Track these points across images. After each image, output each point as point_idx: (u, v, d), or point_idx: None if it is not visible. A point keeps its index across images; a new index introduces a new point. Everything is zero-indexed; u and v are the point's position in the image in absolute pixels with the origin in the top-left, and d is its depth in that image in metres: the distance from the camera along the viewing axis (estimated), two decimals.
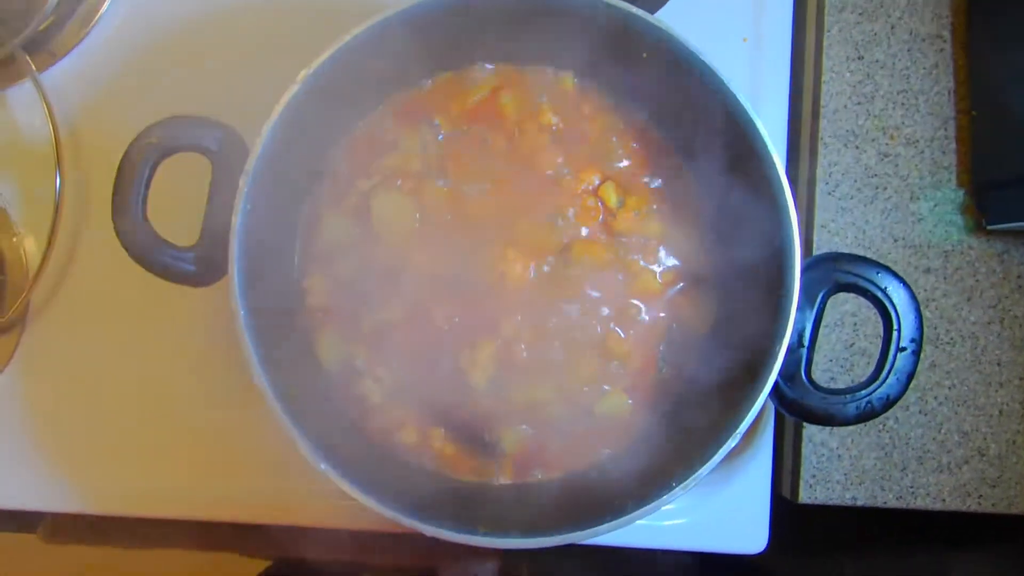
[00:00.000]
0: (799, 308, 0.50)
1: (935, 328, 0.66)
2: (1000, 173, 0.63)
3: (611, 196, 0.57)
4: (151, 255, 0.48)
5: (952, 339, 0.66)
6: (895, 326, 0.52)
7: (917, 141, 0.67)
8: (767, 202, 0.50)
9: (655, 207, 0.57)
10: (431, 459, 0.56)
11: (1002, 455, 0.66)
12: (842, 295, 0.55)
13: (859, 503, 0.66)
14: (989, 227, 0.65)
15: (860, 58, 0.67)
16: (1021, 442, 0.66)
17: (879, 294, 0.52)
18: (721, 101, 0.50)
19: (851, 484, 0.66)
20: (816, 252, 0.66)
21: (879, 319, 0.53)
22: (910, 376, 0.51)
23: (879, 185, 0.67)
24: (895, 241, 0.66)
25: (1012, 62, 0.63)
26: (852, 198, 0.67)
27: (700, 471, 0.49)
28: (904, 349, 0.51)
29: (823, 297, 0.52)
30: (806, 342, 0.52)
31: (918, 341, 0.52)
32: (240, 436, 0.62)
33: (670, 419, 0.57)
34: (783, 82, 0.67)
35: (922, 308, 0.66)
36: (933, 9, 0.67)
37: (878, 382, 0.51)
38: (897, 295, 0.52)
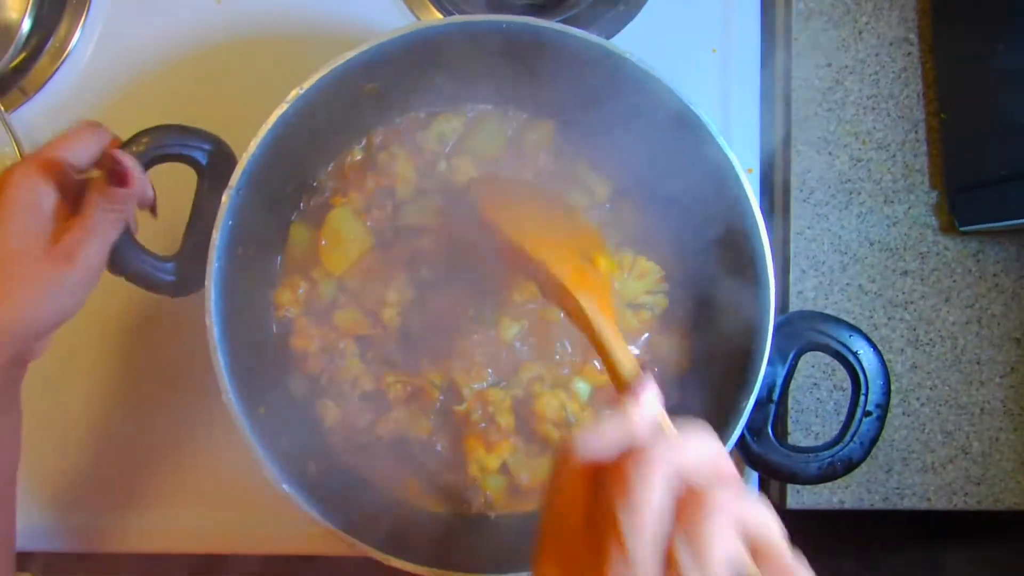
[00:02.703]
0: (770, 363, 0.50)
1: (915, 330, 0.67)
2: (970, 175, 0.63)
3: None
4: (128, 262, 0.48)
5: (932, 340, 0.67)
6: (863, 391, 0.52)
7: (889, 145, 0.67)
8: (742, 248, 0.50)
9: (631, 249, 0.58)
10: (405, 495, 0.57)
11: (985, 452, 0.67)
12: None
13: (846, 506, 0.66)
14: (962, 228, 0.65)
15: (829, 65, 0.68)
16: (1004, 439, 0.67)
17: (850, 357, 0.53)
18: (689, 127, 0.50)
19: (837, 488, 0.66)
20: (792, 259, 0.66)
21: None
22: (873, 441, 0.52)
23: (853, 190, 0.67)
24: (871, 245, 0.67)
25: (978, 63, 0.63)
26: (827, 204, 0.67)
27: None
28: (869, 414, 0.52)
29: (795, 355, 0.53)
30: (775, 397, 0.53)
31: (884, 407, 0.52)
32: (222, 466, 0.62)
33: None
34: (754, 91, 0.67)
35: (901, 310, 0.67)
36: (899, 13, 0.68)
37: (841, 444, 0.52)
38: (867, 359, 0.52)
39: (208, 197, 0.49)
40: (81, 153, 0.46)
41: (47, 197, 0.44)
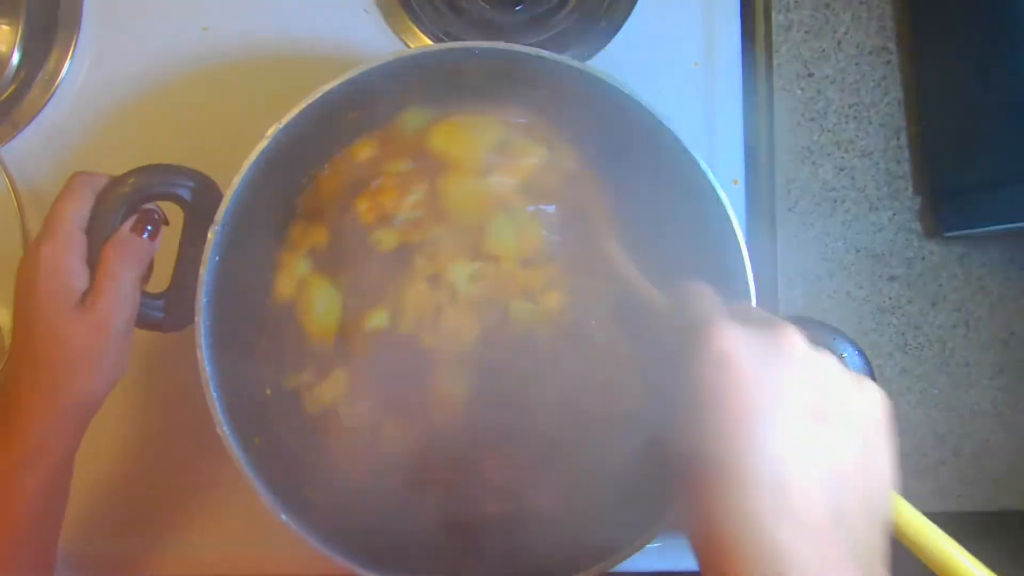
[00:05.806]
0: None
1: (903, 334, 0.68)
2: (952, 181, 0.64)
3: None
4: None
5: (920, 344, 0.68)
6: None
7: (871, 153, 0.68)
8: (719, 250, 0.50)
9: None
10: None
11: (977, 454, 0.67)
12: None
13: None
14: (946, 234, 0.66)
15: (810, 75, 0.68)
16: (995, 440, 0.67)
17: None
18: (665, 144, 0.50)
19: None
20: (780, 269, 0.67)
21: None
22: None
23: (837, 198, 0.68)
24: (857, 252, 0.68)
25: (957, 70, 0.64)
26: (812, 213, 0.68)
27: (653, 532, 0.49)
28: None
29: None
30: None
31: None
32: (217, 488, 0.62)
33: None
34: (736, 103, 0.68)
35: (889, 316, 0.68)
36: (878, 23, 0.69)
37: None
38: (852, 362, 0.53)
39: (195, 233, 0.50)
40: (84, 208, 0.48)
41: (74, 274, 0.46)
